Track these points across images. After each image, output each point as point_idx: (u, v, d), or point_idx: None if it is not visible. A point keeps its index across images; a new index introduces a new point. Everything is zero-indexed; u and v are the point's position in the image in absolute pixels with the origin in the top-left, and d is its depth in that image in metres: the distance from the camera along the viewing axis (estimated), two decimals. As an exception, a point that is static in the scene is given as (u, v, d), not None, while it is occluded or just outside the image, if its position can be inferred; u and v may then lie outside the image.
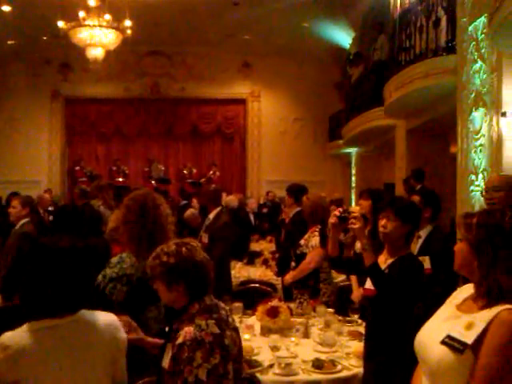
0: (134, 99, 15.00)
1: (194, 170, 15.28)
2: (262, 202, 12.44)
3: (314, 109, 14.85)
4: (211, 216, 5.24)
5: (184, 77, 15.08)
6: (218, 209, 5.26)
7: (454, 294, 1.86)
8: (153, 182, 14.60)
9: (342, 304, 4.24)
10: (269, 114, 15.31)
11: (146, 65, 15.10)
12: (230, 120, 15.58)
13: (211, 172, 15.09)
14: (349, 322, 3.75)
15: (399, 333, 2.53)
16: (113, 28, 9.93)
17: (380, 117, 9.19)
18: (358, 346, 3.11)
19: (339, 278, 5.29)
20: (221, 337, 1.98)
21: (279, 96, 15.29)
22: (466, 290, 1.80)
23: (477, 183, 5.22)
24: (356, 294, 3.97)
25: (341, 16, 12.12)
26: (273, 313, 3.50)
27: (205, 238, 5.05)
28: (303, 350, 3.18)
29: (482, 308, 1.65)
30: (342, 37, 13.22)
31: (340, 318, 3.81)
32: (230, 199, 8.28)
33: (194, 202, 9.20)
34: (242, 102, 15.49)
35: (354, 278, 4.17)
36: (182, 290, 2.06)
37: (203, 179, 14.70)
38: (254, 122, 15.39)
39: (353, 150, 13.54)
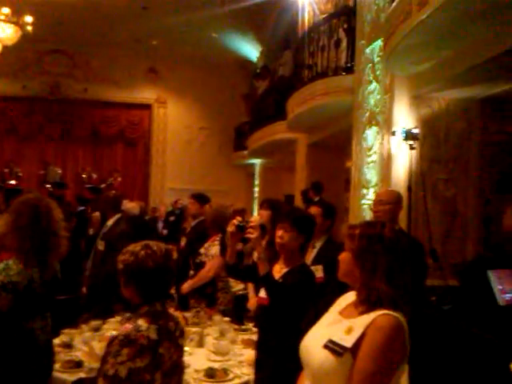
0: (31, 98, 14.20)
1: (94, 175, 14.71)
2: (166, 209, 12.29)
3: (220, 119, 14.96)
4: (109, 223, 5.06)
5: (87, 78, 14.59)
6: (117, 216, 5.10)
7: (338, 300, 1.95)
8: (48, 185, 13.83)
9: (238, 313, 4.28)
10: (175, 121, 15.18)
11: (47, 63, 14.42)
12: (134, 125, 15.23)
13: (112, 178, 14.62)
14: (244, 330, 3.79)
15: (288, 340, 2.59)
16: (12, 23, 9.38)
17: (283, 130, 9.46)
18: (250, 354, 3.14)
19: (237, 286, 5.32)
20: (156, 344, 1.96)
21: (186, 104, 15.23)
22: (349, 297, 1.90)
23: (368, 197, 5.53)
24: (252, 302, 4.02)
25: (249, 30, 12.37)
26: (167, 322, 3.45)
27: (101, 246, 4.87)
28: (197, 359, 3.17)
29: (362, 313, 1.74)
30: (250, 50, 13.49)
31: (236, 326, 3.84)
32: (132, 206, 8.06)
33: (89, 209, 8.86)
34: (147, 107, 15.23)
35: (250, 287, 4.22)
36: (133, 291, 2.06)
37: (103, 185, 14.19)
38: (160, 128, 15.18)
39: (257, 161, 13.79)
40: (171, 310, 3.72)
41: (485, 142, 5.41)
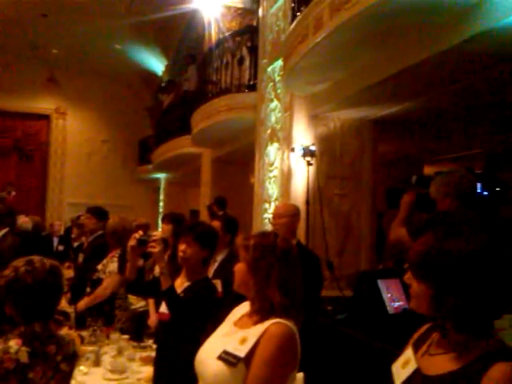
0: None
1: (-16, 189, 13.73)
2: (64, 225, 11.74)
3: (124, 131, 14.62)
4: (-5, 239, 4.74)
5: (-21, 85, 13.64)
6: (5, 231, 4.79)
7: (233, 311, 1.98)
8: None
9: (138, 330, 4.17)
10: (75, 133, 14.60)
11: None
12: (31, 136, 14.43)
13: (5, 192, 13.68)
14: (143, 347, 3.71)
15: (186, 355, 2.58)
16: None
17: (188, 144, 9.45)
18: (149, 371, 3.09)
19: (138, 303, 5.20)
20: (25, 368, 1.84)
21: (87, 115, 14.72)
22: (244, 308, 1.93)
23: (270, 211, 5.67)
24: (153, 318, 3.95)
25: (155, 43, 12.28)
26: (61, 342, 3.29)
27: (-13, 263, 4.53)
28: (92, 378, 3.06)
29: (256, 323, 1.78)
30: (155, 63, 13.37)
31: (135, 344, 3.75)
32: (23, 221, 7.60)
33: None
34: (45, 117, 14.51)
35: (151, 303, 4.15)
36: (12, 308, 1.94)
37: (-5, 199, 13.25)
38: (59, 140, 14.52)
39: (162, 176, 13.63)
40: (66, 329, 3.57)
41: (376, 160, 5.77)
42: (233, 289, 1.99)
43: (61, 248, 9.71)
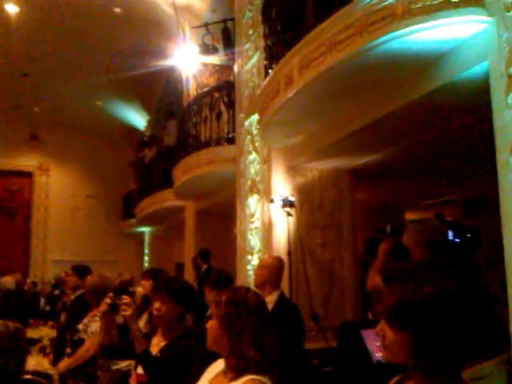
0: None
1: (-35, 249, 13.52)
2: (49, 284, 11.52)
3: (107, 186, 14.68)
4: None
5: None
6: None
7: (209, 368, 1.96)
8: None
9: (120, 390, 4.07)
10: (59, 189, 14.62)
11: None
12: (13, 194, 14.41)
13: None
14: (125, 408, 3.62)
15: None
16: None
17: (170, 198, 9.49)
18: (131, 433, 3.00)
19: (123, 362, 5.08)
20: None
21: (71, 171, 14.78)
22: (219, 365, 1.92)
23: (253, 263, 5.66)
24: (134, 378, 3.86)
25: (136, 99, 12.53)
26: (40, 407, 3.20)
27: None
28: None
29: (231, 381, 1.77)
30: (137, 119, 13.60)
31: (117, 405, 3.66)
32: (6, 280, 7.50)
33: None
34: (28, 174, 14.55)
35: (132, 363, 4.06)
36: None
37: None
38: (41, 197, 14.50)
39: (146, 229, 13.58)
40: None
41: (355, 208, 5.84)
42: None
43: (47, 308, 9.51)
